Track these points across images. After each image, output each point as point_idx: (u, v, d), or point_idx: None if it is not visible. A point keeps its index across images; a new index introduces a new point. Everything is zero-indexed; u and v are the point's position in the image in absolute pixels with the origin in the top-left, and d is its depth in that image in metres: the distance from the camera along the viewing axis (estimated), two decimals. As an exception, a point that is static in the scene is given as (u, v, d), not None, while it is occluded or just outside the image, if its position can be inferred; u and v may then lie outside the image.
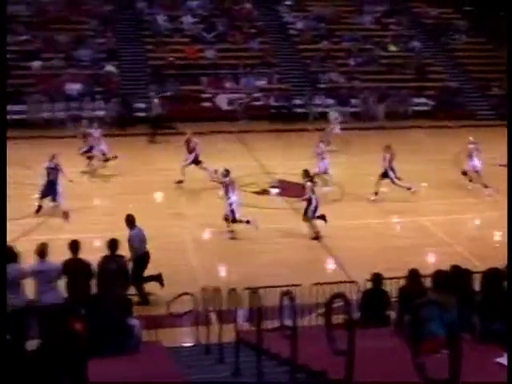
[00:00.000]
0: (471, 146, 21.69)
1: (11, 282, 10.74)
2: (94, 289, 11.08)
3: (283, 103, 33.22)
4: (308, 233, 17.74)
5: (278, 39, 37.68)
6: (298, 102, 33.70)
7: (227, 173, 18.05)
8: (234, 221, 17.72)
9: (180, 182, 21.95)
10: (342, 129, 27.10)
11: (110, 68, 33.90)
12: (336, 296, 5.73)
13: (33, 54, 33.80)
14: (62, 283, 11.12)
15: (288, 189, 21.19)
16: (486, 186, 21.07)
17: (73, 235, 12.82)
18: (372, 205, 20.22)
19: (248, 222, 17.64)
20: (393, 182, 20.69)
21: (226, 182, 17.84)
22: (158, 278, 13.94)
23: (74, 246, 11.19)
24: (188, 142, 22.52)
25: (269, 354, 7.96)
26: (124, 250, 11.53)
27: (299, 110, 33.29)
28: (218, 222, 18.01)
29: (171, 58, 34.49)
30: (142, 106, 32.43)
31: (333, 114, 28.16)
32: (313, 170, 19.67)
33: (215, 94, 33.45)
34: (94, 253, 12.09)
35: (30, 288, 10.98)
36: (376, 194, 20.48)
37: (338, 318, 5.81)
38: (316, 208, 17.57)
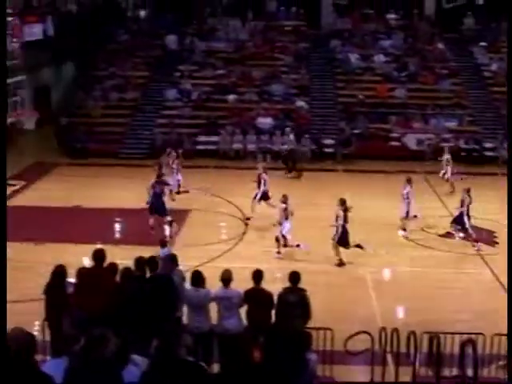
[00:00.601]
0: None
1: (197, 306, 11.27)
2: (273, 319, 11.32)
3: (473, 146, 32.41)
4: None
5: (471, 81, 36.81)
6: (488, 145, 32.75)
7: (285, 199, 18.74)
8: (286, 246, 18.70)
9: (248, 218, 21.70)
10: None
11: (300, 103, 34.58)
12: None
13: (228, 87, 35.21)
14: (243, 311, 11.47)
15: (475, 233, 20.62)
16: None
17: (254, 264, 13.16)
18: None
19: (298, 245, 18.65)
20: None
21: (284, 209, 18.59)
22: None
23: (257, 275, 11.53)
24: (259, 177, 22.25)
25: (445, 401, 7.82)
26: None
27: (489, 154, 32.32)
28: (399, 262, 17.87)
29: (361, 96, 34.67)
30: (331, 141, 32.73)
31: (445, 156, 27.12)
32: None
33: (403, 134, 33.20)
34: (274, 284, 12.39)
35: (213, 313, 11.41)
36: None
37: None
38: (343, 236, 17.87)
